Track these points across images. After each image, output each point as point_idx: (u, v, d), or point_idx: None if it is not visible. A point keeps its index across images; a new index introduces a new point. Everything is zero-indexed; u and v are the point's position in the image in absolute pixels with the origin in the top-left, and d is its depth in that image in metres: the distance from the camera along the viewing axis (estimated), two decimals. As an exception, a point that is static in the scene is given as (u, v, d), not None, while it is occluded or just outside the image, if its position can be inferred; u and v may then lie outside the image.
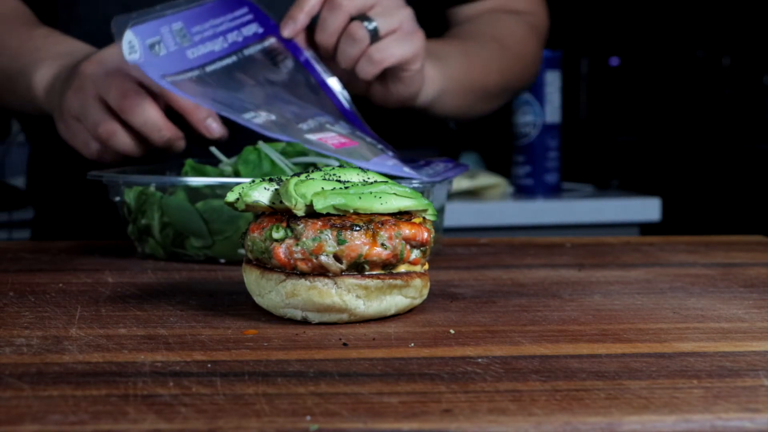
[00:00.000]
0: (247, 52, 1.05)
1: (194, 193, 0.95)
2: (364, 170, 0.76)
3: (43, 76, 1.10)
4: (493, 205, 2.32)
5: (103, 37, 1.05)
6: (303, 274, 0.69)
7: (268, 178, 0.74)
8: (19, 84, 1.14)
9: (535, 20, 1.38)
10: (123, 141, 1.02)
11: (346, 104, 1.07)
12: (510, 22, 1.35)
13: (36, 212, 1.42)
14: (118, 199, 1.00)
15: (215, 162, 1.03)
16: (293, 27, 1.06)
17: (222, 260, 0.96)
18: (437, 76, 1.16)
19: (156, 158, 1.08)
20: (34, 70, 1.11)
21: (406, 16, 1.06)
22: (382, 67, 1.04)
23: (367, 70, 1.04)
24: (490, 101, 1.31)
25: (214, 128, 1.03)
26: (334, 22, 1.04)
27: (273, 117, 0.97)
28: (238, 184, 0.75)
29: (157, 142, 1.02)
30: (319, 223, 0.69)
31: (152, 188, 0.96)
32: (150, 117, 1.00)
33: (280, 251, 0.69)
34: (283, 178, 0.74)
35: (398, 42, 1.05)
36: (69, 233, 1.25)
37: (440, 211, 1.01)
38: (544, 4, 1.42)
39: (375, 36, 1.03)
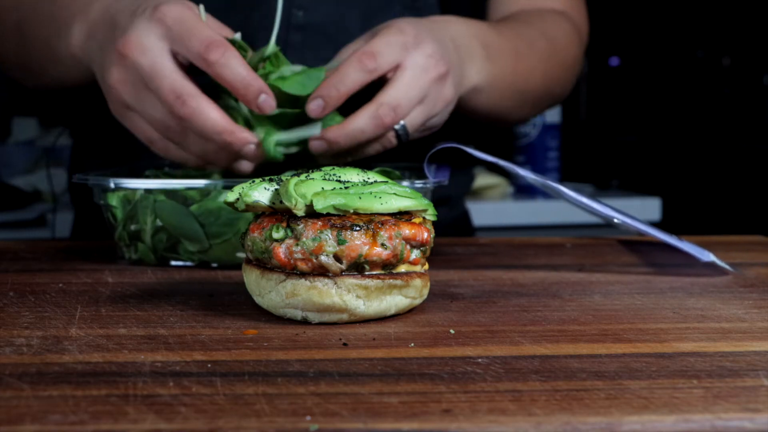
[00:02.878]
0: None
1: (175, 196, 0.92)
2: (363, 170, 0.76)
3: (77, 33, 1.00)
4: (493, 205, 2.32)
5: None
6: (303, 274, 0.69)
7: (268, 178, 0.74)
8: (59, 49, 1.04)
9: (578, 22, 1.31)
10: (208, 114, 0.90)
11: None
12: (559, 22, 1.28)
13: (76, 211, 1.36)
14: (102, 202, 0.96)
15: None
16: (321, 109, 0.94)
17: (214, 264, 0.93)
18: (484, 68, 1.09)
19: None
20: (69, 28, 1.01)
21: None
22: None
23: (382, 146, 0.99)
24: (531, 107, 1.25)
25: (269, 104, 0.92)
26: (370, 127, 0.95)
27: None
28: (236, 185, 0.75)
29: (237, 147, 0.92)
30: (319, 223, 0.69)
31: (143, 191, 0.93)
32: (212, 121, 0.90)
33: (280, 251, 0.69)
34: (283, 178, 0.74)
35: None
36: (108, 233, 1.14)
37: None
38: (585, 6, 1.35)
39: (405, 135, 0.99)
